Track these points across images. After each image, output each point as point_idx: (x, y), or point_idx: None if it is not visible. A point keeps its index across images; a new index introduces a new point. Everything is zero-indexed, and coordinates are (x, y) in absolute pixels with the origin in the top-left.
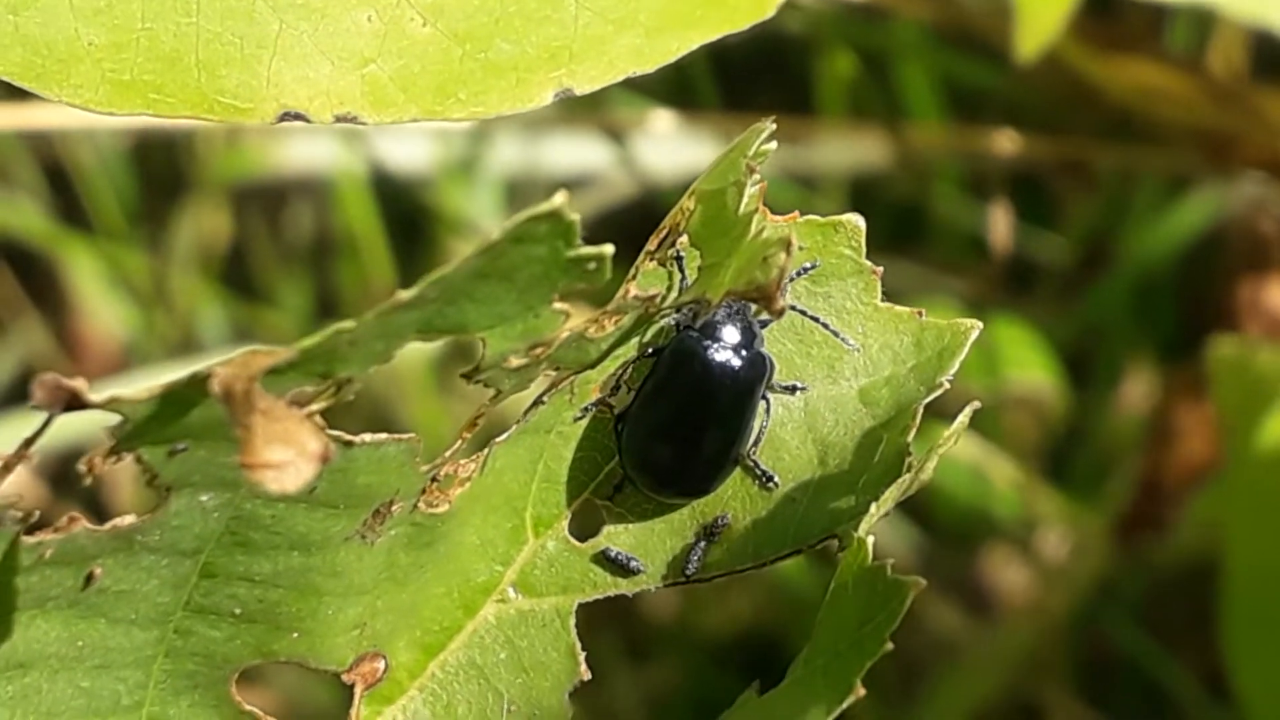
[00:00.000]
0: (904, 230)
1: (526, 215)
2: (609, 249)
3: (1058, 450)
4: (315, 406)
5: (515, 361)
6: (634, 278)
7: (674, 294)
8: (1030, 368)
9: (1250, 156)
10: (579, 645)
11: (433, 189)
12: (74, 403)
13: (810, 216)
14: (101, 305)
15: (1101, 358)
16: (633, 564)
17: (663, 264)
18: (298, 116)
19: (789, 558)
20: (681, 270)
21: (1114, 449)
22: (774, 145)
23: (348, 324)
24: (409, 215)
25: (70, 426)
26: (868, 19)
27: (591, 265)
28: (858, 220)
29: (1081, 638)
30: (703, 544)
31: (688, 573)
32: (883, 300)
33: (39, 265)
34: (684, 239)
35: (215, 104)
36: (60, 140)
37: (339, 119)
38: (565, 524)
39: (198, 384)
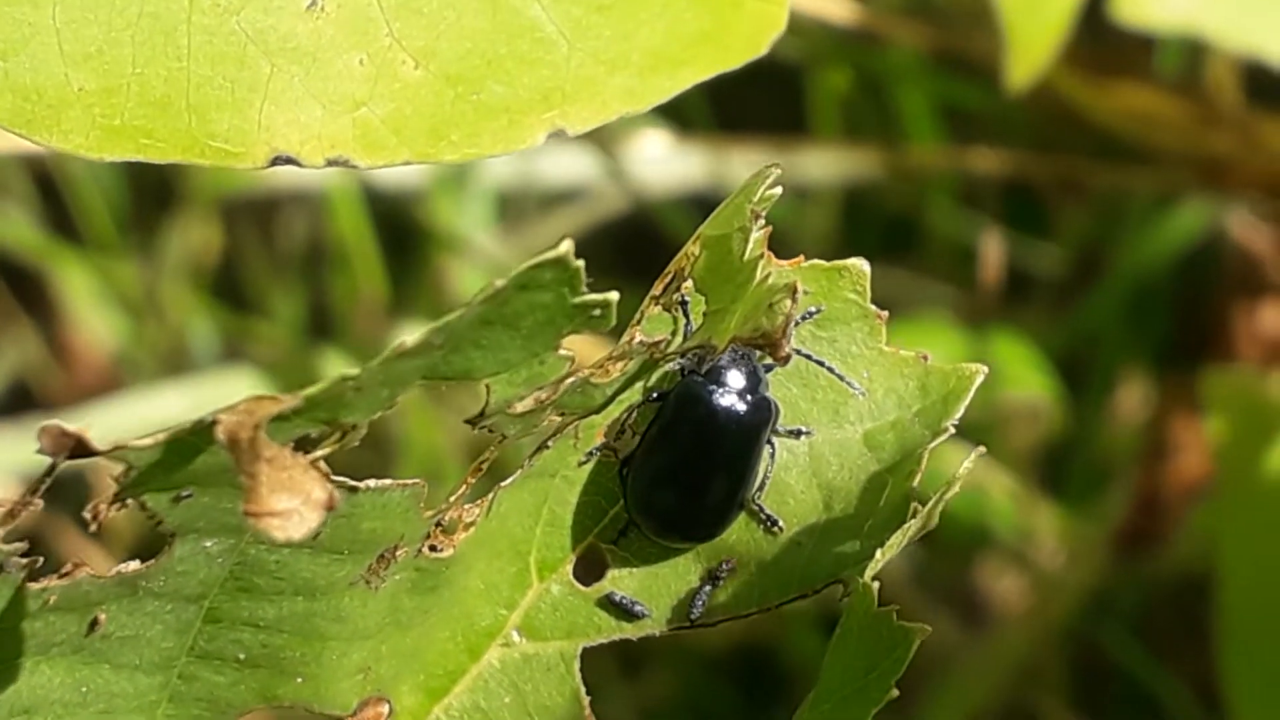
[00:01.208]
0: (897, 242)
1: (532, 262)
2: (614, 296)
3: (1052, 460)
4: (320, 453)
5: (520, 407)
6: (639, 322)
7: (678, 339)
8: (1026, 379)
9: (1244, 180)
10: (584, 690)
11: (425, 201)
12: (78, 450)
13: (815, 261)
14: (92, 316)
15: (1095, 367)
16: (637, 608)
17: (667, 309)
18: (289, 160)
19: (794, 602)
20: (686, 315)
21: (1108, 459)
22: (779, 190)
23: (352, 371)
24: (401, 227)
25: None
26: (862, 44)
27: (597, 311)
28: (862, 265)
29: (1076, 648)
30: (707, 588)
31: (692, 617)
32: (886, 343)
33: (30, 277)
34: (689, 284)
35: (206, 148)
36: (51, 152)
37: (330, 162)
38: (570, 568)
39: (202, 431)
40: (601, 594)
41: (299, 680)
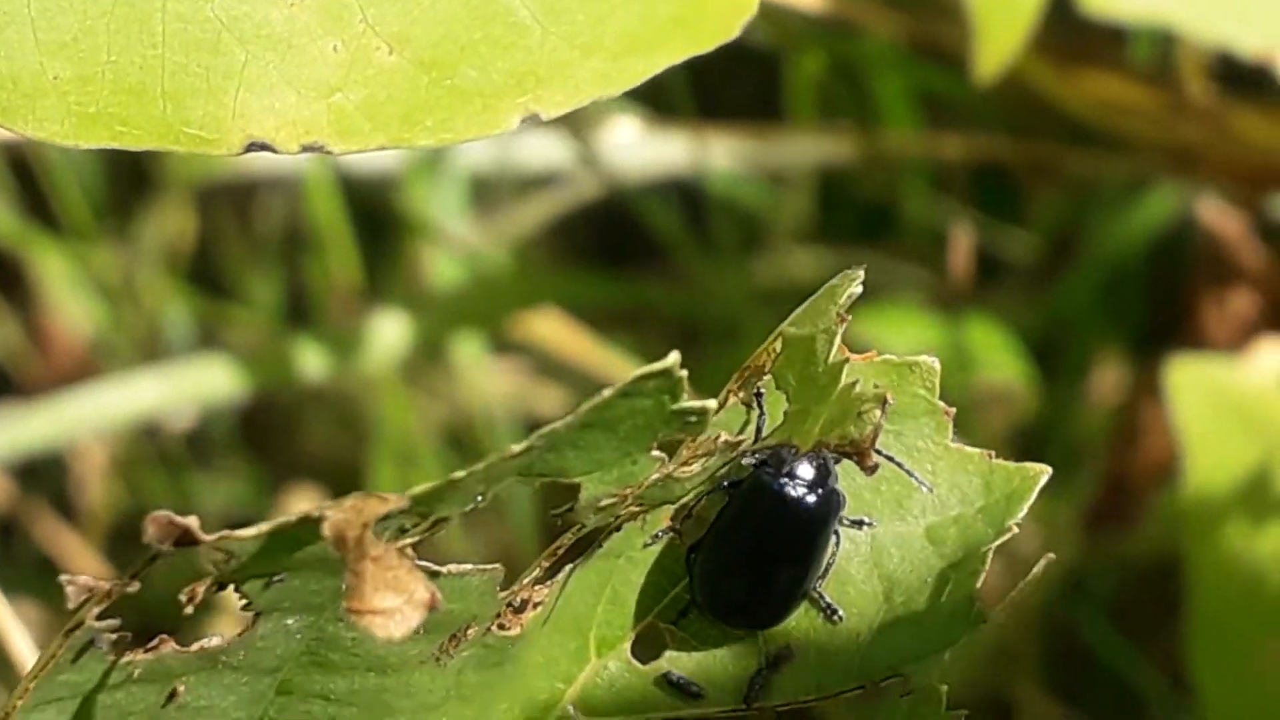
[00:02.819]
0: (873, 226)
1: (639, 372)
2: (711, 404)
3: (1027, 444)
4: (408, 540)
5: (605, 502)
6: (716, 413)
7: (751, 429)
8: (999, 363)
9: (1214, 167)
10: None
11: (400, 187)
12: (184, 539)
13: (887, 356)
14: (70, 302)
15: (1070, 351)
16: (693, 689)
17: (745, 403)
18: (264, 147)
19: (852, 693)
20: (761, 409)
21: (1083, 443)
22: (859, 290)
23: (459, 474)
24: (377, 212)
25: (40, 428)
26: (837, 31)
27: (693, 418)
28: (933, 362)
29: (1052, 631)
30: (765, 673)
31: (749, 701)
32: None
33: (6, 263)
34: (768, 379)
35: (181, 135)
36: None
37: (305, 148)
38: (628, 646)
39: (308, 526)
40: (659, 673)
41: None
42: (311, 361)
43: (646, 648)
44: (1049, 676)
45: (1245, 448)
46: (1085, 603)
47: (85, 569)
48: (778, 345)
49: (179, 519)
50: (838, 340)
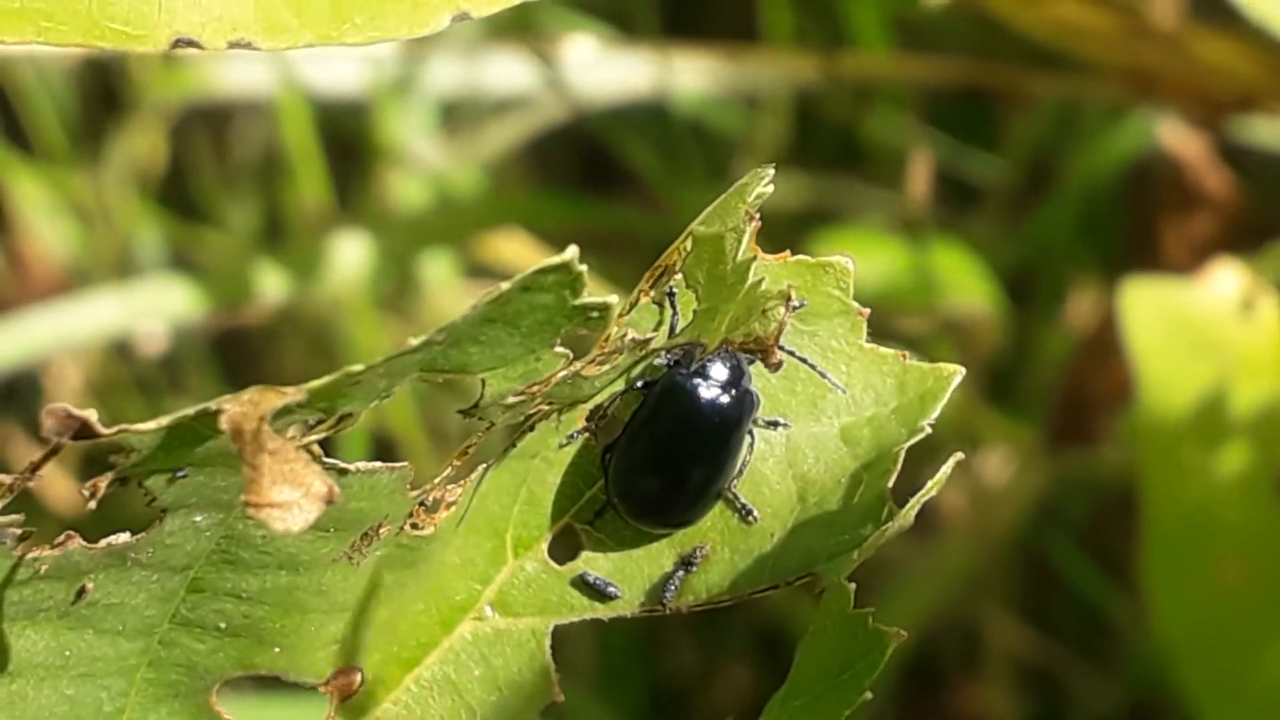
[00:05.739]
0: (849, 151)
1: (537, 266)
2: (613, 299)
3: (1002, 372)
4: (314, 437)
5: (512, 399)
6: (627, 312)
7: (664, 329)
8: (970, 290)
9: (1175, 90)
10: (554, 667)
11: (370, 111)
12: (82, 432)
13: (800, 257)
14: (45, 226)
15: (1046, 279)
16: (610, 589)
17: (657, 302)
18: (190, 43)
19: (765, 593)
20: (674, 308)
21: (1058, 370)
22: (771, 189)
23: (357, 367)
24: (349, 136)
25: (6, 346)
26: None
27: (595, 313)
28: (847, 262)
29: (1022, 558)
30: (680, 573)
31: (664, 601)
32: (868, 339)
33: None
34: (679, 278)
35: (107, 31)
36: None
37: (232, 45)
38: (545, 546)
39: (206, 419)
40: (575, 574)
41: (276, 650)
42: (274, 280)
43: (563, 549)
44: (1020, 603)
45: (1197, 368)
46: (1057, 529)
47: (58, 492)
48: (688, 244)
49: (77, 411)
50: (746, 238)
